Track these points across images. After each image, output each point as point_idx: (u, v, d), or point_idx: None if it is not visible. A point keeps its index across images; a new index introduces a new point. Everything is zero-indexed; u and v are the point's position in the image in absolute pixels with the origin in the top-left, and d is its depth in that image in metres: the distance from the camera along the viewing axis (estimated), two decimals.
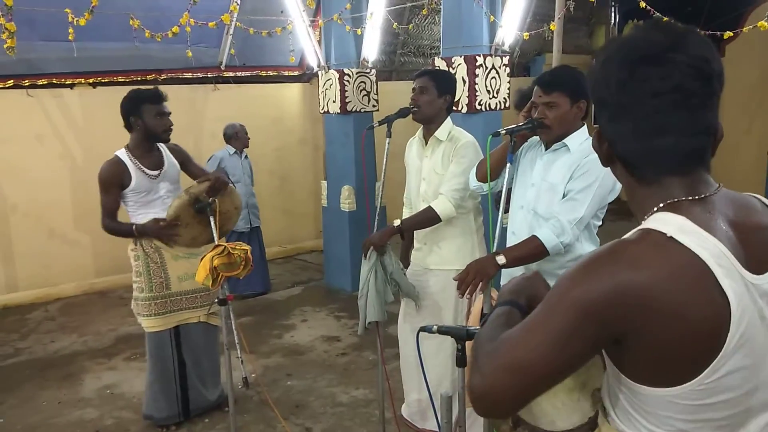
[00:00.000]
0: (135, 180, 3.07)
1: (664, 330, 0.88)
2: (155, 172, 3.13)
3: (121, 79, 5.74)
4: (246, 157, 5.44)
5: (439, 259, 2.93)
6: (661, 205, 0.97)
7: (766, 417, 0.96)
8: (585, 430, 1.14)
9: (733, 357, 0.89)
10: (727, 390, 0.91)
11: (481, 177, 2.50)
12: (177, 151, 3.29)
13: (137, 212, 3.13)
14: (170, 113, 3.09)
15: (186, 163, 3.31)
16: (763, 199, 1.05)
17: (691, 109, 0.95)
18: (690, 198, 0.96)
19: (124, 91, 3.12)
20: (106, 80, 5.72)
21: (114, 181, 3.06)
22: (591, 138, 1.14)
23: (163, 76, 5.96)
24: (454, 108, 4.04)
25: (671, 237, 0.90)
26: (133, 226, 3.07)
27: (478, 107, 4.09)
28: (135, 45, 5.28)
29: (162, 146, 3.21)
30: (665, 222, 0.93)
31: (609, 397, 1.05)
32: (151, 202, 3.13)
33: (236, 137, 5.34)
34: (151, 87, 3.15)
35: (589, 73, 1.06)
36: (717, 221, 0.94)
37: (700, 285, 0.88)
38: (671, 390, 0.91)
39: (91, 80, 5.69)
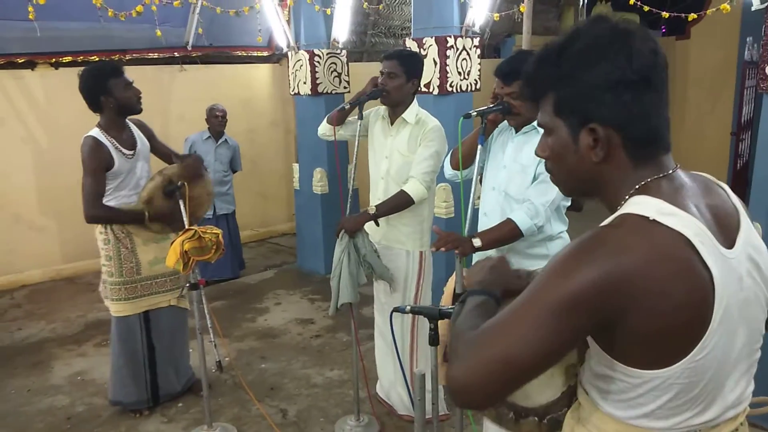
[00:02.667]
0: (117, 161, 2.98)
1: (653, 312, 0.89)
2: (131, 152, 3.06)
3: (84, 59, 5.58)
4: (224, 142, 5.31)
5: (392, 237, 2.98)
6: (635, 188, 0.98)
7: (737, 382, 1.00)
8: (561, 405, 1.17)
9: (717, 332, 0.92)
10: (711, 365, 0.94)
11: (455, 165, 2.52)
12: (143, 127, 3.21)
13: (111, 195, 3.03)
14: (133, 81, 3.01)
15: (151, 139, 3.23)
16: (711, 177, 1.08)
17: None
18: (658, 176, 0.98)
19: None
20: (69, 60, 5.55)
21: (102, 165, 2.93)
22: None
23: (128, 57, 5.81)
24: (426, 90, 4.07)
25: (654, 220, 0.91)
26: (146, 213, 2.96)
27: (450, 89, 4.09)
28: (99, 25, 5.12)
29: (129, 123, 3.12)
30: (644, 205, 0.94)
31: (591, 378, 1.05)
32: (126, 183, 3.05)
33: (207, 121, 5.25)
34: (105, 60, 3.05)
35: (586, 59, 0.97)
36: (689, 199, 0.96)
37: (686, 264, 0.90)
38: (663, 372, 0.93)
39: (53, 60, 5.52)
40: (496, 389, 0.95)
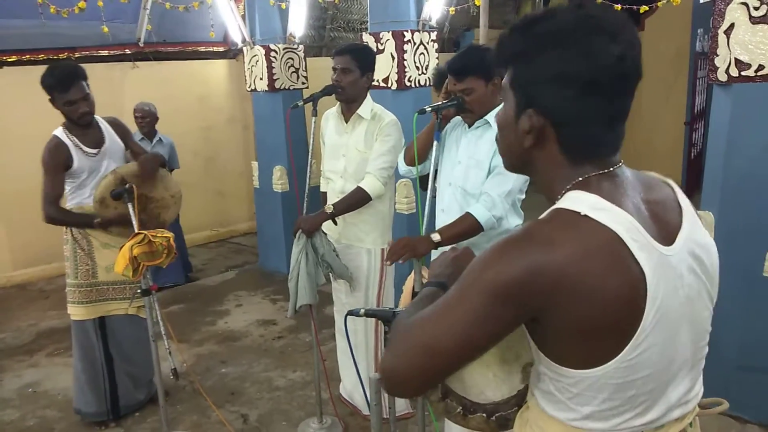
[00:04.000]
0: (77, 161, 2.89)
1: (581, 308, 0.88)
2: (94, 150, 2.96)
3: (30, 58, 5.37)
4: (159, 141, 5.04)
5: (352, 236, 2.94)
6: (573, 183, 0.96)
7: (683, 382, 0.99)
8: (512, 403, 1.15)
9: (652, 331, 0.90)
10: (648, 365, 0.92)
11: (410, 161, 2.49)
12: (117, 125, 3.11)
13: (73, 194, 2.96)
14: (86, 95, 2.87)
15: (125, 139, 3.13)
16: (659, 175, 1.07)
17: (632, 94, 0.95)
18: (599, 173, 0.96)
19: (36, 71, 2.89)
20: (14, 60, 5.33)
21: (60, 165, 2.86)
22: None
23: (77, 54, 5.61)
24: (384, 85, 4.03)
25: (585, 215, 0.90)
26: (96, 220, 2.87)
27: (408, 84, 4.06)
28: (43, 22, 4.92)
29: (101, 121, 3.03)
30: (577, 200, 0.93)
31: (534, 379, 1.05)
32: (88, 182, 2.95)
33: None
34: (64, 66, 2.91)
35: (537, 45, 0.94)
36: (627, 196, 0.94)
37: (615, 260, 0.88)
38: (595, 371, 0.92)
39: None
40: (422, 377, 0.95)
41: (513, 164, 1.08)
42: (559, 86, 0.93)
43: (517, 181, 2.20)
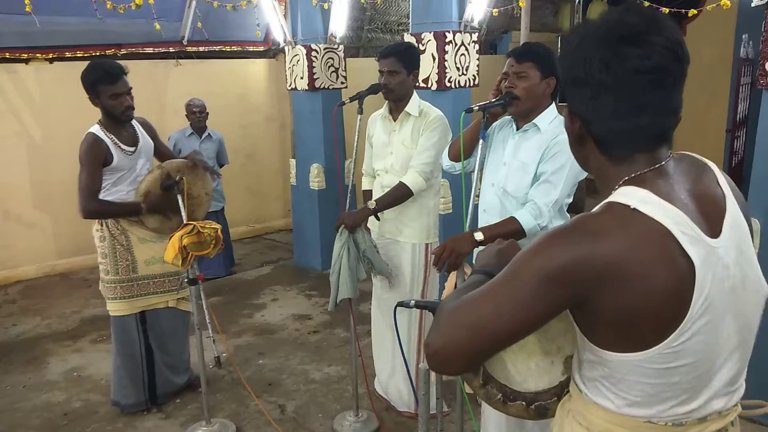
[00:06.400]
0: (116, 158, 2.94)
1: (626, 296, 0.92)
2: (132, 149, 3.02)
3: (79, 54, 5.54)
4: (208, 137, 5.20)
5: (396, 231, 2.98)
6: (626, 179, 1.01)
7: (725, 373, 1.01)
8: (552, 393, 1.19)
9: (698, 320, 0.94)
10: (692, 352, 0.95)
11: (454, 156, 2.50)
12: (148, 126, 3.18)
13: (109, 190, 3.00)
14: (130, 90, 2.94)
15: (154, 139, 3.20)
16: (699, 157, 1.11)
17: (666, 89, 0.98)
18: (649, 169, 1.00)
19: (84, 66, 2.98)
20: (64, 55, 5.51)
21: (99, 160, 2.91)
22: (560, 117, 1.16)
23: (123, 51, 5.78)
24: (424, 85, 4.06)
25: (634, 208, 0.94)
26: (142, 205, 2.94)
27: (448, 84, 4.08)
28: (95, 19, 5.08)
29: (132, 121, 3.09)
30: (628, 195, 0.97)
31: (578, 367, 1.09)
32: (125, 179, 3.01)
33: (187, 117, 5.15)
34: (109, 61, 2.97)
35: (564, 53, 1.07)
36: (677, 191, 0.98)
37: (664, 252, 0.92)
38: (638, 354, 0.95)
39: (48, 55, 5.48)
40: (467, 354, 0.99)
41: (581, 165, 1.15)
42: (578, 88, 1.03)
43: (564, 188, 2.20)
